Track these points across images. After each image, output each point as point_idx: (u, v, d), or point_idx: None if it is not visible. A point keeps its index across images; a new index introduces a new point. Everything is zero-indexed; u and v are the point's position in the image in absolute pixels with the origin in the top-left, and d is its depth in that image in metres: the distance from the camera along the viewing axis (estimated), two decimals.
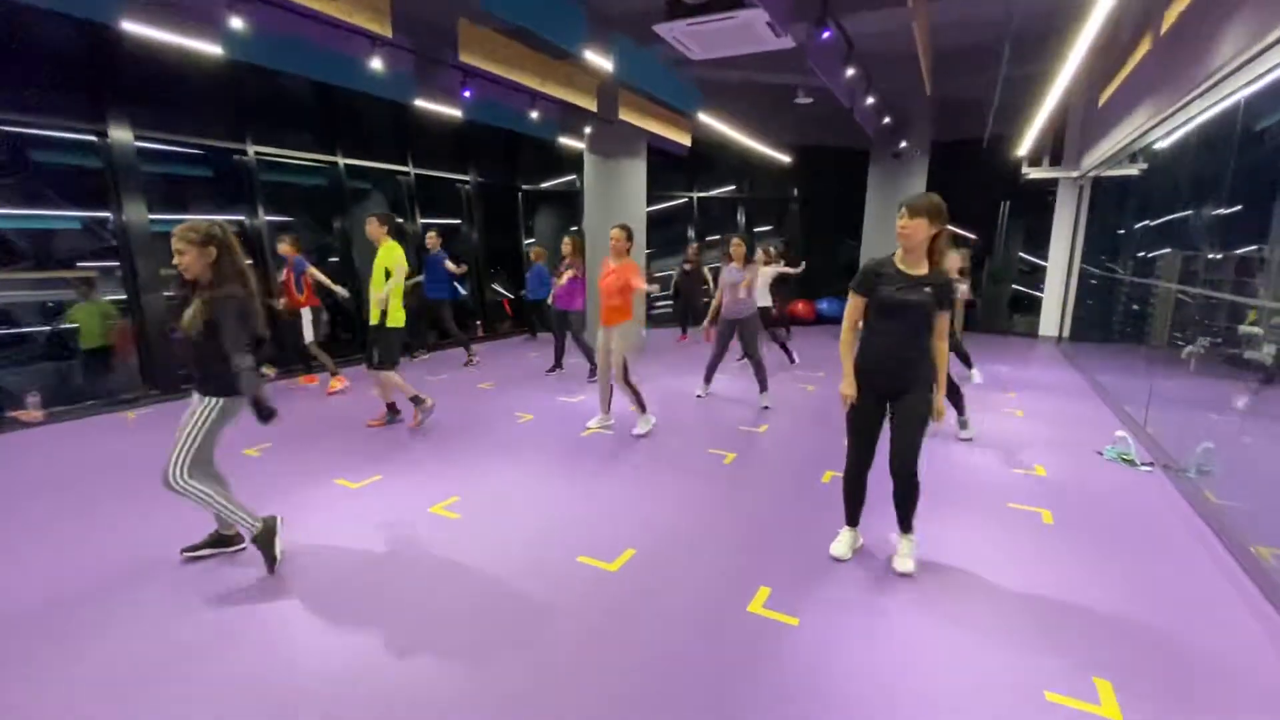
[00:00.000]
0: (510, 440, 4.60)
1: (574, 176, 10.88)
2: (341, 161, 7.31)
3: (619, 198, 7.84)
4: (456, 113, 6.36)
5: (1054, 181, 9.50)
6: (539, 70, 5.26)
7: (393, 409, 4.89)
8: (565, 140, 8.68)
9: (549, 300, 6.67)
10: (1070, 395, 6.29)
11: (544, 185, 10.78)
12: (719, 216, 11.91)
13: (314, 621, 2.37)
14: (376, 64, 4.56)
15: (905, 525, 2.79)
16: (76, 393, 5.42)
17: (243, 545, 2.88)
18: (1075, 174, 8.85)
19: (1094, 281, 9.37)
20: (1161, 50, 4.13)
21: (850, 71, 4.59)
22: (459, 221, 9.35)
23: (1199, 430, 4.46)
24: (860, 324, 2.73)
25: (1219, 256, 6.15)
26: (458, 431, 4.73)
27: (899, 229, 2.54)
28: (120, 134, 5.36)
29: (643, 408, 4.60)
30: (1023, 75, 5.04)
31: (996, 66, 5.04)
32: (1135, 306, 8.45)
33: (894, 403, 2.69)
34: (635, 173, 7.80)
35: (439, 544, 3.00)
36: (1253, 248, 6.31)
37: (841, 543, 2.92)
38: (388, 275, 4.49)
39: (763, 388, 5.56)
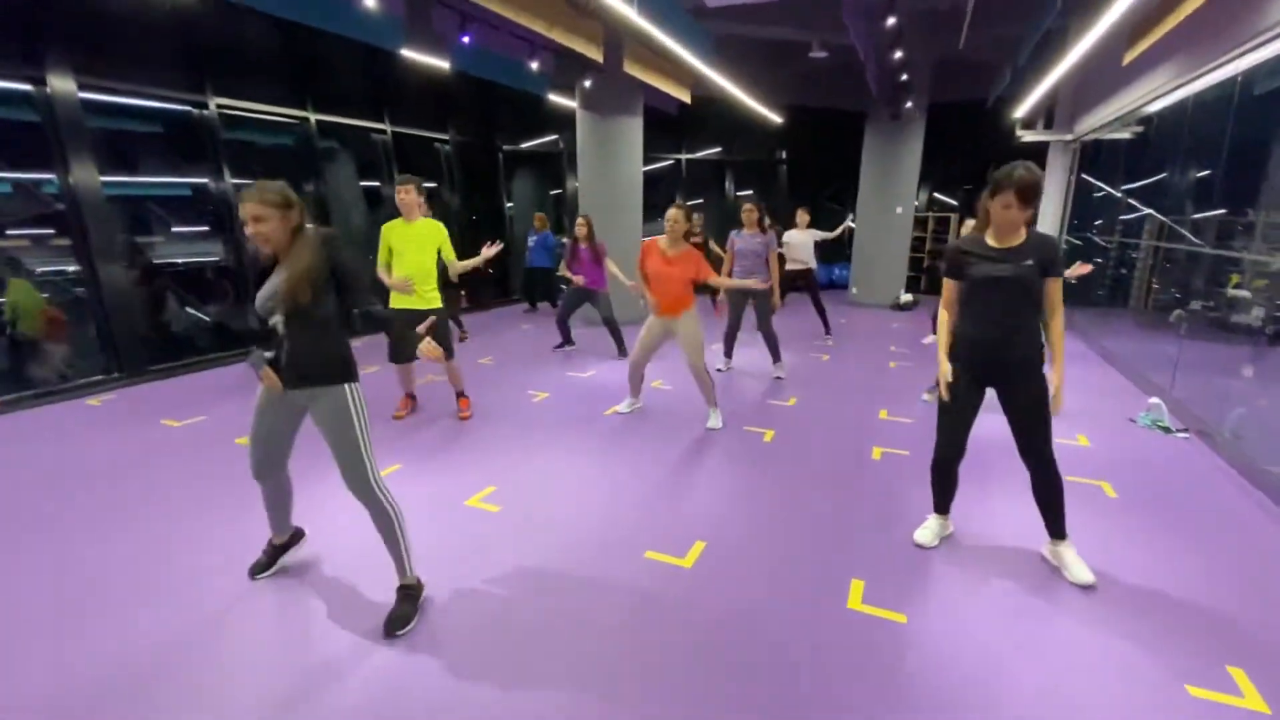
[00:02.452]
0: (532, 422, 4.29)
1: (556, 137, 10.35)
2: (313, 117, 6.66)
3: (614, 158, 7.41)
4: (443, 64, 5.81)
5: (1044, 145, 9.47)
6: (545, 14, 4.78)
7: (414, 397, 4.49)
8: (554, 97, 8.17)
9: (558, 272, 6.24)
10: (1081, 361, 6.31)
11: (524, 146, 10.20)
12: (702, 179, 11.56)
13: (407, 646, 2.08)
14: (370, 2, 4.03)
15: (1057, 529, 2.50)
16: (27, 378, 4.84)
17: (302, 539, 2.58)
18: (1069, 137, 8.82)
19: (1077, 243, 9.45)
20: (1213, 5, 3.97)
21: (891, 20, 4.29)
22: (434, 185, 8.76)
23: (1219, 394, 4.48)
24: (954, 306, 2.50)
25: (1213, 215, 6.14)
26: (473, 413, 4.40)
27: (1002, 214, 2.25)
28: (61, 84, 4.67)
29: (714, 401, 4.25)
30: (1063, 26, 4.80)
31: (1039, 16, 4.80)
32: (1123, 270, 8.56)
33: (1001, 389, 2.46)
34: (631, 131, 7.37)
35: (489, 541, 2.72)
36: (1220, 211, 6.36)
37: (928, 530, 2.74)
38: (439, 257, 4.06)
39: (776, 358, 5.40)
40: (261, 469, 2.28)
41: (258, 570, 2.46)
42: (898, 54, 5.16)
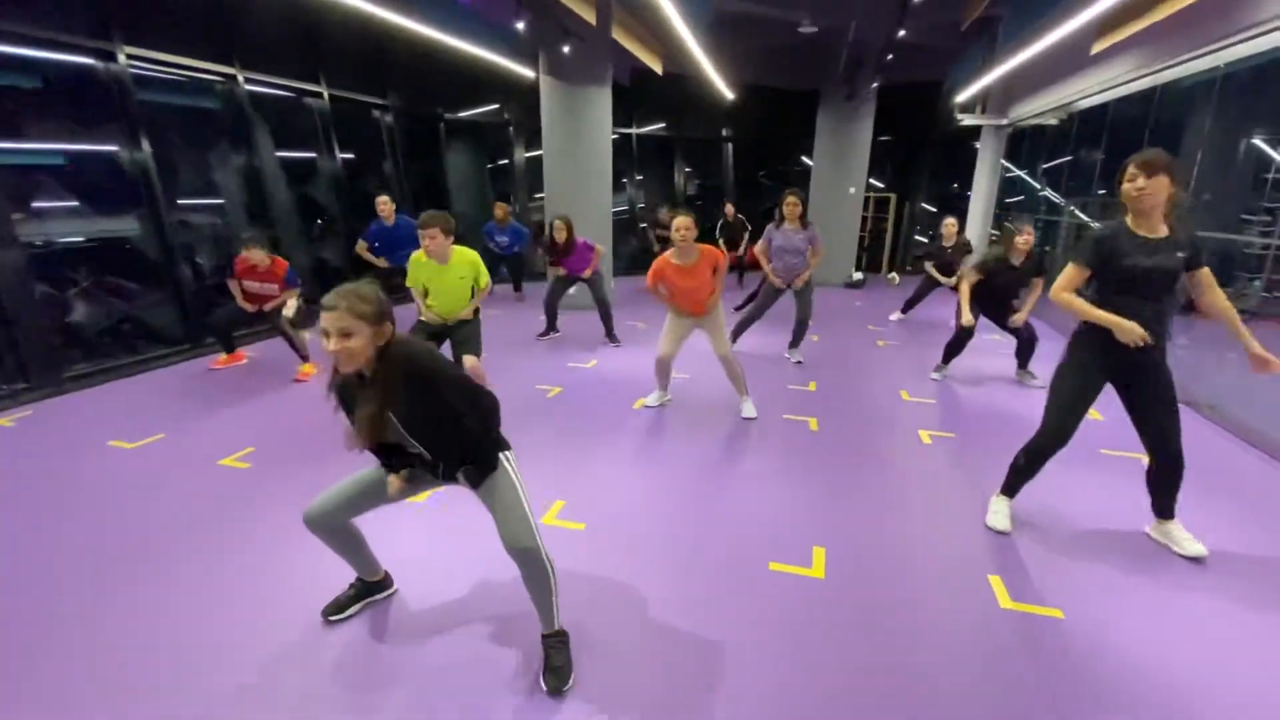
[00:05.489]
0: (558, 421, 3.95)
1: (498, 105, 9.69)
2: (241, 75, 5.72)
3: (582, 128, 6.97)
4: (408, 23, 5.15)
5: (975, 129, 10.00)
6: None
7: None
8: (502, 62, 7.55)
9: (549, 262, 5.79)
10: (1045, 339, 6.68)
11: (465, 115, 9.45)
12: (649, 154, 11.27)
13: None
14: None
15: (1168, 511, 2.60)
16: None
17: (392, 589, 2.22)
18: (1004, 122, 9.35)
19: (1007, 223, 10.12)
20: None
21: None
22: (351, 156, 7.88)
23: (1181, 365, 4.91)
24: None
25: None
26: None
27: (1135, 191, 2.23)
28: None
29: (745, 389, 4.10)
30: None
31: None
32: (1046, 248, 9.26)
33: (1129, 385, 2.47)
34: (600, 100, 6.96)
35: (592, 565, 2.43)
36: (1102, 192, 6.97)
37: (1002, 514, 2.76)
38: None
39: (795, 344, 5.38)
40: (324, 520, 1.94)
41: (335, 610, 2.08)
42: (902, 32, 5.17)
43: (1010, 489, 2.80)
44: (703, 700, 1.80)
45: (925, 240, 12.14)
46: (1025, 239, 4.36)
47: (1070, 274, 2.43)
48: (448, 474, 1.87)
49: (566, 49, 5.69)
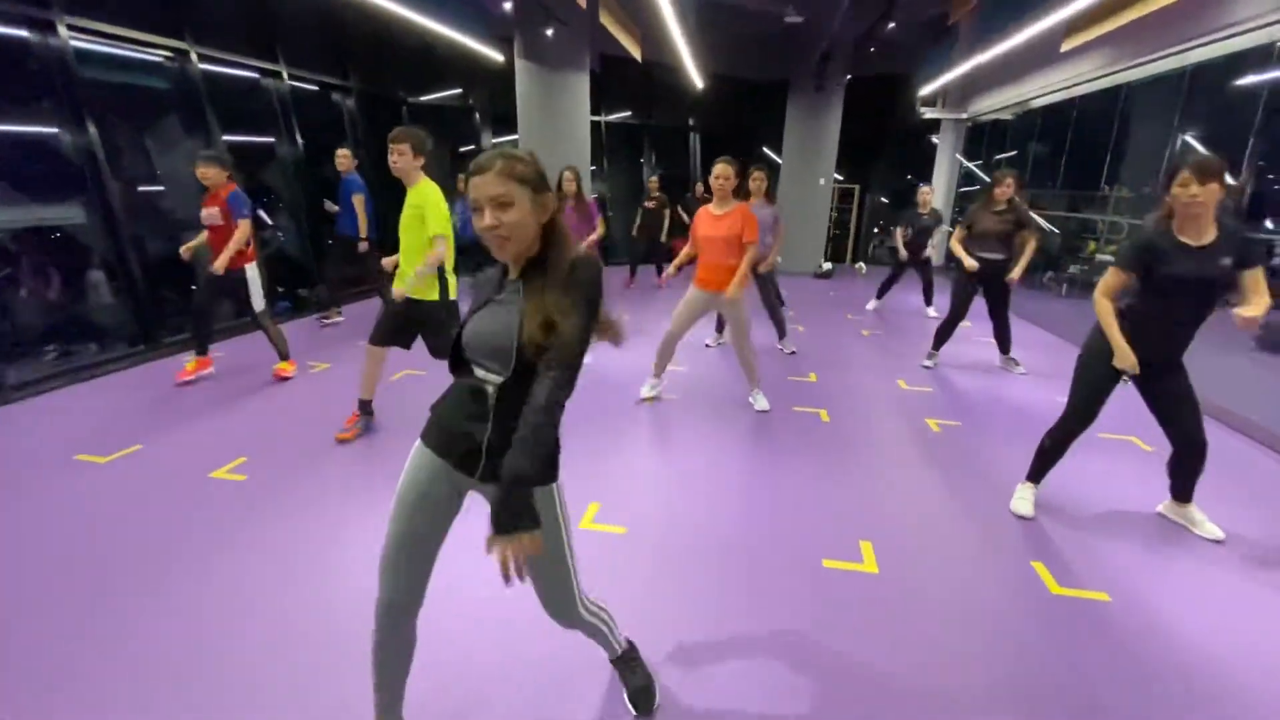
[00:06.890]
0: (569, 417, 3.80)
1: (460, 89, 9.34)
2: (195, 53, 5.26)
3: (560, 114, 6.80)
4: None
5: (935, 123, 10.31)
6: None
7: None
8: (477, 45, 7.25)
9: None
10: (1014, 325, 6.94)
11: (429, 99, 9.05)
12: (616, 143, 11.12)
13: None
14: None
15: (1187, 495, 2.68)
16: None
17: None
18: (964, 116, 9.67)
19: (957, 215, 10.50)
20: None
21: None
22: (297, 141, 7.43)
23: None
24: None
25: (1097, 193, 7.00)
26: None
27: (1187, 198, 2.19)
28: None
29: (757, 381, 4.04)
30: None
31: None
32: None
33: (1146, 382, 2.52)
34: (579, 86, 6.79)
35: (640, 570, 2.36)
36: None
37: (1026, 500, 2.85)
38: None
39: (782, 334, 5.37)
40: (396, 602, 1.39)
41: None
42: (891, 25, 5.23)
43: (1036, 475, 2.87)
44: (796, 707, 1.76)
45: (875, 230, 12.49)
46: (1002, 190, 4.52)
47: (1111, 279, 2.44)
48: (494, 457, 1.29)
49: (550, 32, 5.48)
